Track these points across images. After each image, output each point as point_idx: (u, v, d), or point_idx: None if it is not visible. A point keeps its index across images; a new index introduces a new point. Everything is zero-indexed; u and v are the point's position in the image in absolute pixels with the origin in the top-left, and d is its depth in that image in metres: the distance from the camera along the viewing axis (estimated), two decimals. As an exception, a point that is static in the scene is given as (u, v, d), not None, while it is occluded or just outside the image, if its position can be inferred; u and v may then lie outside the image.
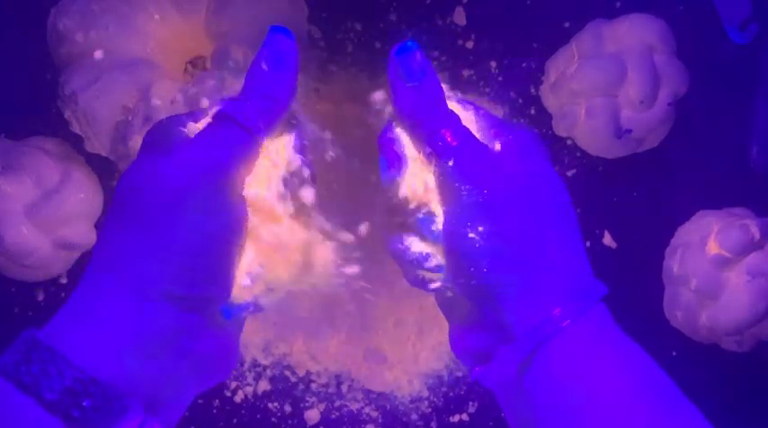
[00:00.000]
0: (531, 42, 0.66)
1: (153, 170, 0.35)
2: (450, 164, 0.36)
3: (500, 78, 0.66)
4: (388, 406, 0.64)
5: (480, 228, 0.35)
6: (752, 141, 0.65)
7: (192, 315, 0.35)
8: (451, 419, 0.64)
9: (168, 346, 0.34)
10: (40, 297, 0.63)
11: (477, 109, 0.41)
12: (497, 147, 0.38)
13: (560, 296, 0.35)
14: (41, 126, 0.62)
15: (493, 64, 0.66)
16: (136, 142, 0.54)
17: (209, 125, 0.37)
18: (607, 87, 0.61)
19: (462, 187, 0.36)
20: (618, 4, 0.66)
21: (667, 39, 0.62)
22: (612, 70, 0.60)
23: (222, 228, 0.35)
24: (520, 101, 0.66)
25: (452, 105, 0.39)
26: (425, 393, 0.64)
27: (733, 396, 0.64)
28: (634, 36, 0.61)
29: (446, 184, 0.37)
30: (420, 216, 0.39)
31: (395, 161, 0.39)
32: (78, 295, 0.35)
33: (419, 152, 0.38)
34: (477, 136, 0.38)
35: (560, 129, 0.64)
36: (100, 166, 0.62)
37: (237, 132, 0.37)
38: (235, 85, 0.54)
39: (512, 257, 0.35)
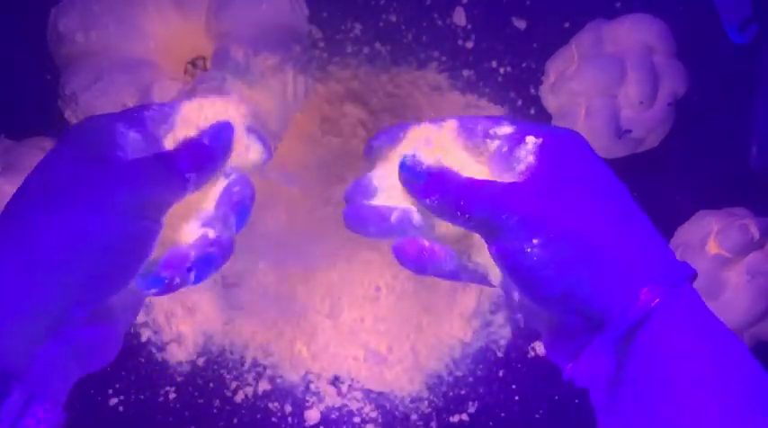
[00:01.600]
0: (531, 42, 0.66)
1: (80, 177, 0.36)
2: (476, 218, 0.37)
3: (500, 78, 0.66)
4: (388, 406, 0.64)
5: (534, 241, 0.35)
6: (752, 141, 0.65)
7: (77, 308, 0.35)
8: (451, 419, 0.64)
9: (51, 332, 0.35)
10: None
11: (511, 121, 0.41)
12: (530, 158, 0.38)
13: (643, 277, 0.35)
14: (41, 126, 0.62)
15: (493, 64, 0.66)
16: (136, 142, 0.54)
17: (149, 162, 0.37)
18: (607, 87, 0.61)
19: (504, 233, 0.36)
20: (618, 4, 0.66)
21: (667, 39, 0.62)
22: (612, 70, 0.60)
23: (125, 249, 0.36)
24: (520, 101, 0.66)
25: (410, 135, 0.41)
26: (425, 393, 0.64)
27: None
28: (634, 36, 0.61)
29: (483, 234, 0.38)
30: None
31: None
32: None
33: (458, 225, 0.39)
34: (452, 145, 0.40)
35: (560, 129, 0.64)
36: (100, 166, 0.62)
37: (176, 179, 0.38)
38: (235, 85, 0.54)
39: (574, 258, 0.35)
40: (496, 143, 0.40)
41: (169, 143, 0.40)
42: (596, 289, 0.35)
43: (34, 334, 0.34)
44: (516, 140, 0.39)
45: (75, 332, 0.36)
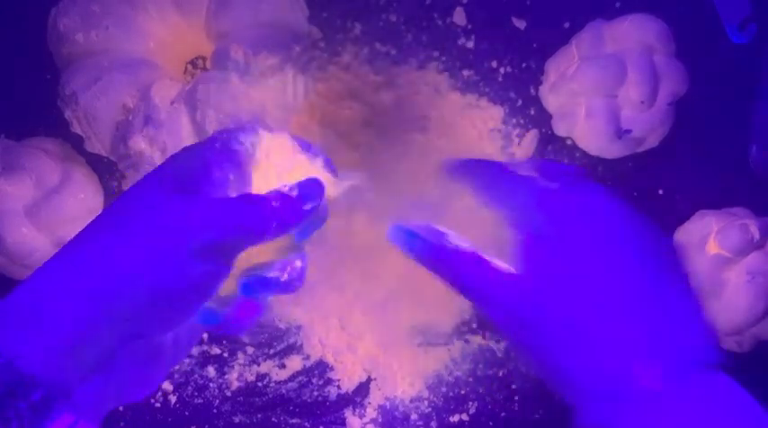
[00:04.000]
0: (531, 42, 0.66)
1: (174, 212, 0.35)
2: (489, 311, 0.37)
3: (500, 78, 0.66)
4: (388, 406, 0.64)
5: (518, 334, 0.35)
6: (752, 141, 0.65)
7: (124, 344, 0.35)
8: (451, 419, 0.64)
9: (103, 360, 0.34)
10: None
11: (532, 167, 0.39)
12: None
13: (638, 356, 0.33)
14: (41, 126, 0.62)
15: (493, 64, 0.66)
16: (136, 142, 0.54)
17: (239, 204, 0.36)
18: (607, 87, 0.61)
19: (513, 330, 0.36)
20: (618, 4, 0.66)
21: (667, 39, 0.62)
22: (612, 70, 0.60)
23: (192, 291, 0.35)
24: (519, 101, 0.66)
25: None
26: (425, 393, 0.64)
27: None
28: (634, 36, 0.61)
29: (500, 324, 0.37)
30: None
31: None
32: (26, 292, 0.34)
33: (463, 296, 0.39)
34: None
35: (560, 129, 0.64)
36: (100, 166, 0.62)
37: (261, 228, 0.36)
38: (235, 85, 0.54)
39: (582, 340, 0.34)
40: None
41: (257, 182, 0.39)
42: (589, 373, 0.33)
43: (87, 360, 0.33)
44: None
45: (123, 365, 0.35)
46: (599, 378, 0.33)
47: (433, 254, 0.38)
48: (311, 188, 0.39)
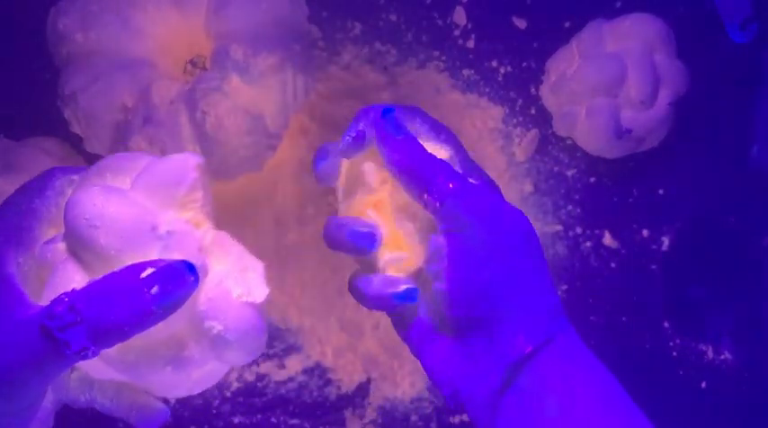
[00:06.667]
0: (531, 42, 0.66)
1: None
2: (456, 201, 0.38)
3: (500, 78, 0.66)
4: (388, 406, 0.64)
5: (486, 260, 0.37)
6: (752, 141, 0.65)
7: None
8: (451, 420, 0.64)
9: None
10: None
11: (456, 149, 0.43)
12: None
13: (535, 321, 0.38)
14: (41, 126, 0.62)
15: (493, 64, 0.66)
16: (135, 142, 0.54)
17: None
18: (607, 87, 0.61)
19: (461, 226, 0.38)
20: (618, 4, 0.66)
21: (667, 39, 0.62)
22: (613, 70, 0.60)
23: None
24: (520, 101, 0.66)
25: (432, 147, 0.42)
26: (425, 393, 0.64)
27: (727, 402, 0.64)
28: (634, 36, 0.61)
29: (451, 222, 0.38)
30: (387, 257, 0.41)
31: (360, 136, 0.41)
32: None
33: (417, 199, 0.40)
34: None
35: (560, 129, 0.64)
36: (100, 166, 0.62)
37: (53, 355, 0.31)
38: (235, 85, 0.54)
39: (510, 289, 0.38)
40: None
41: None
42: (502, 316, 0.37)
43: None
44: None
45: None
46: (500, 335, 0.38)
47: (412, 147, 0.39)
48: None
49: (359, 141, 0.41)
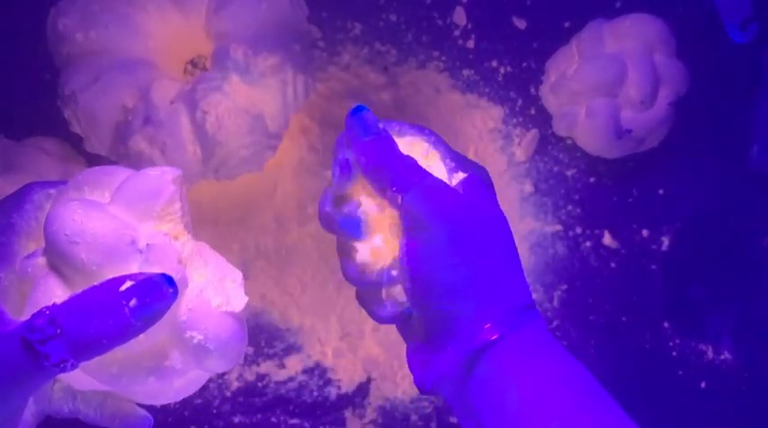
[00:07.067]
0: (531, 42, 0.66)
1: None
2: (412, 197, 0.38)
3: (500, 78, 0.66)
4: (388, 406, 0.64)
5: (441, 258, 0.38)
6: (752, 141, 0.65)
7: None
8: (451, 419, 0.64)
9: None
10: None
11: (437, 141, 0.43)
12: (453, 181, 0.40)
13: (494, 314, 0.38)
14: (41, 126, 0.62)
15: (493, 64, 0.66)
16: (135, 142, 0.54)
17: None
18: (607, 87, 0.61)
19: (424, 219, 0.38)
20: (618, 4, 0.66)
21: (667, 39, 0.62)
22: (612, 70, 0.60)
23: None
24: (520, 101, 0.66)
25: (412, 141, 0.42)
26: (425, 393, 0.64)
27: (727, 403, 0.64)
28: (634, 36, 0.61)
29: (408, 219, 0.39)
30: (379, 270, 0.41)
31: (346, 168, 0.41)
32: None
33: (382, 196, 0.40)
34: (438, 166, 0.41)
35: (560, 129, 0.64)
36: (100, 166, 0.62)
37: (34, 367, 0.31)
38: (235, 85, 0.54)
39: (468, 284, 0.38)
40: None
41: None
42: (465, 318, 0.38)
43: None
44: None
45: None
46: (465, 321, 0.38)
47: (379, 147, 0.39)
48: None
49: (346, 171, 0.41)
